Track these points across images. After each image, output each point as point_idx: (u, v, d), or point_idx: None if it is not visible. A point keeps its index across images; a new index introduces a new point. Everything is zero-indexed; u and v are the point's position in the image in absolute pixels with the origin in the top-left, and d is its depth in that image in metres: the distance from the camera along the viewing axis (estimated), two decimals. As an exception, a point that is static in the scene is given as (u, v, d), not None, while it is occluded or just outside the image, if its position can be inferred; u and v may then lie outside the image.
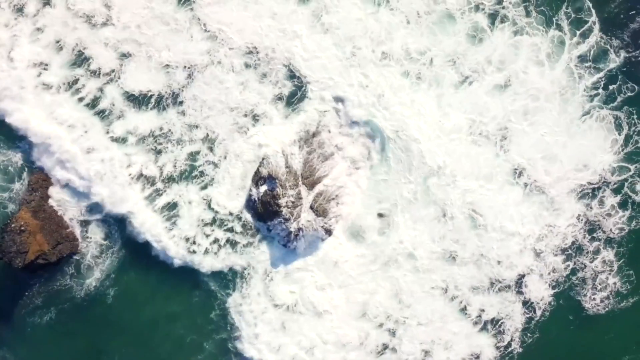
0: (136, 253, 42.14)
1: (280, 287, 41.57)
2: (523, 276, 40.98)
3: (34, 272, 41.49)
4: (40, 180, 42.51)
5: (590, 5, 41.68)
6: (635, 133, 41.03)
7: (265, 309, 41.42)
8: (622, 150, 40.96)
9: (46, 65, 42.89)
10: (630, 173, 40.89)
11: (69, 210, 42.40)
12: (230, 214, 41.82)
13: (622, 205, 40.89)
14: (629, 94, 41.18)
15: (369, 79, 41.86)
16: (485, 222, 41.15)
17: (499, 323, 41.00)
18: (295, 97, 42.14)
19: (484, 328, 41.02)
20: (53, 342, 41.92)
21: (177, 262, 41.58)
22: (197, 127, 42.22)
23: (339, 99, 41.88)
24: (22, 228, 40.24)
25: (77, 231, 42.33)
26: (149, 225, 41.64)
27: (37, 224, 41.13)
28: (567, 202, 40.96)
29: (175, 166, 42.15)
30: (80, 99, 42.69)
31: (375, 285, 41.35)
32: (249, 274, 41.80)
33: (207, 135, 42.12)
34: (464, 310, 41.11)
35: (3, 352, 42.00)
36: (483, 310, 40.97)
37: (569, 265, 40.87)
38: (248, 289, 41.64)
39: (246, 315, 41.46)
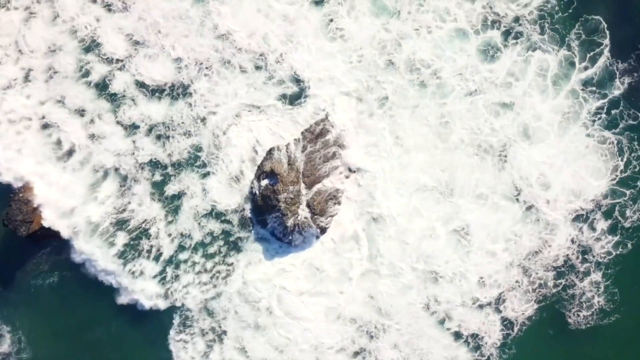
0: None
1: (261, 284, 41.68)
2: (507, 291, 40.52)
3: (37, 242, 42.65)
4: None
5: (605, 26, 41.72)
6: (634, 158, 40.89)
7: (238, 305, 41.55)
8: (619, 175, 40.81)
9: (60, 49, 43.91)
10: (625, 198, 40.59)
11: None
12: (227, 208, 42.38)
13: (612, 230, 40.58)
14: (631, 121, 41.07)
15: (373, 82, 42.52)
16: (474, 240, 40.93)
17: (478, 337, 40.54)
18: (300, 99, 42.89)
19: (465, 341, 40.56)
20: (53, 307, 42.90)
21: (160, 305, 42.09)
22: (202, 120, 43.02)
23: (342, 103, 42.59)
24: (29, 198, 41.47)
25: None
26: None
27: (44, 196, 42.34)
28: (562, 224, 40.70)
29: (179, 156, 42.88)
30: (90, 84, 43.71)
31: (357, 290, 41.25)
32: (230, 271, 42.09)
33: (211, 129, 42.84)
34: (442, 322, 40.69)
35: (8, 311, 43.13)
36: (461, 325, 40.51)
37: (561, 283, 40.45)
38: (224, 287, 41.88)
39: (216, 311, 41.70)
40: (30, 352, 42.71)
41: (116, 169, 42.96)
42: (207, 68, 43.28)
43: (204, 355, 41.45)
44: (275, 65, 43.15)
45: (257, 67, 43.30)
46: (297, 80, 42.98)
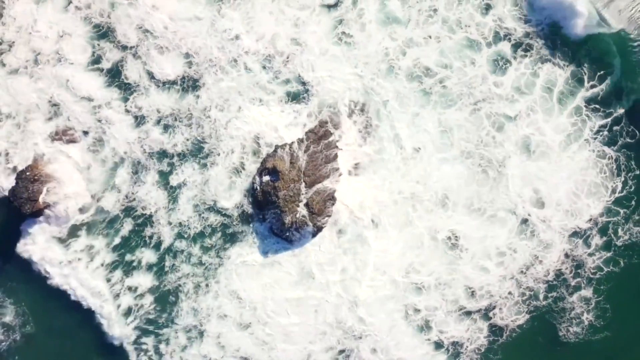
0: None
1: (251, 280, 42.00)
2: (499, 299, 40.55)
3: (40, 218, 43.22)
4: (61, 132, 44.28)
5: (615, 48, 41.40)
6: (630, 178, 40.67)
7: (225, 300, 41.97)
8: (615, 194, 40.65)
9: (70, 35, 44.49)
10: (619, 217, 40.44)
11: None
12: (227, 200, 42.88)
13: (606, 247, 40.46)
14: (628, 139, 40.86)
15: (377, 87, 42.73)
16: (467, 252, 40.96)
17: (458, 344, 40.63)
18: (304, 98, 43.21)
19: (445, 349, 40.72)
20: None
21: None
22: (207, 113, 43.50)
23: (345, 106, 42.88)
24: (36, 177, 42.27)
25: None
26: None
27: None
28: (558, 241, 40.62)
29: (183, 147, 43.40)
30: (101, 73, 44.31)
31: (346, 292, 41.58)
32: (222, 263, 42.57)
33: (215, 122, 43.35)
34: (421, 329, 40.81)
35: (11, 286, 44.13)
36: (444, 333, 40.64)
37: (552, 295, 40.47)
38: (214, 280, 42.38)
39: (202, 305, 42.22)
40: (34, 326, 43.72)
41: (127, 158, 43.67)
42: (214, 65, 43.76)
43: (183, 349, 42.12)
44: (282, 66, 43.54)
45: (264, 67, 43.74)
46: (302, 82, 43.31)
